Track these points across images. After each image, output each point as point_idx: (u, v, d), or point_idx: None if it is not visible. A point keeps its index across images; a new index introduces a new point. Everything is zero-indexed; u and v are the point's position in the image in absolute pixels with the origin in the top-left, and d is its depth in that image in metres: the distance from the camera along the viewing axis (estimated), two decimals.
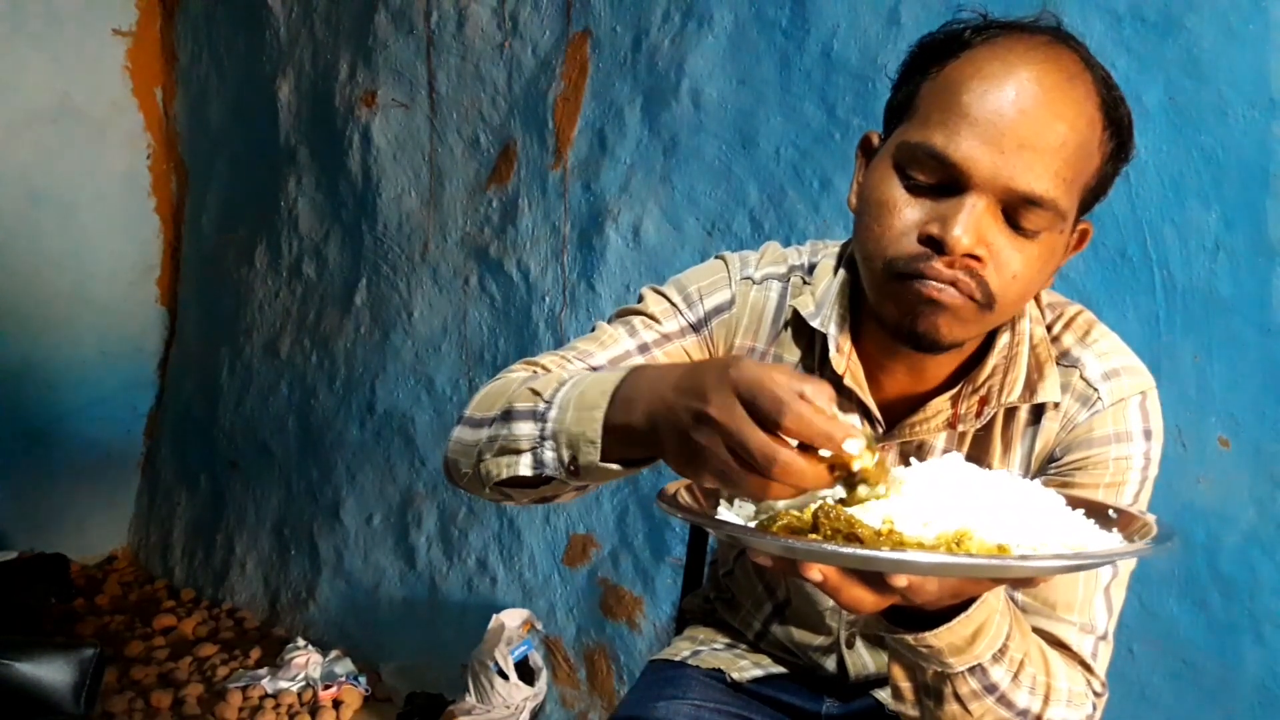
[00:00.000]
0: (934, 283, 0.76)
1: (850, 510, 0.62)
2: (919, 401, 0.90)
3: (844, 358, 0.90)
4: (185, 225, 3.52)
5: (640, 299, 0.99)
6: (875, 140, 0.87)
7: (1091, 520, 0.67)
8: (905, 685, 0.81)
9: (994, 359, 0.88)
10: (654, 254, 2.09)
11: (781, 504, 0.68)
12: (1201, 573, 1.38)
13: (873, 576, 0.62)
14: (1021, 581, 0.67)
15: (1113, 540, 0.65)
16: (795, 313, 0.95)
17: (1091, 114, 0.77)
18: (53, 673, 1.26)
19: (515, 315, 2.39)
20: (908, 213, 0.78)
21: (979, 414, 0.88)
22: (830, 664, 1.06)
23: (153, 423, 3.60)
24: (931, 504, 0.63)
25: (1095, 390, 0.87)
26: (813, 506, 0.63)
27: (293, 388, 3.01)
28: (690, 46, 2.00)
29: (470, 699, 2.11)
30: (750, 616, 1.12)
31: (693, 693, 1.08)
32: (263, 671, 2.58)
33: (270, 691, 2.50)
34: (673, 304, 0.97)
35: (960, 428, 0.89)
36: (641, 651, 2.11)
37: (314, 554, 2.87)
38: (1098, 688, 0.87)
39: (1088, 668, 0.87)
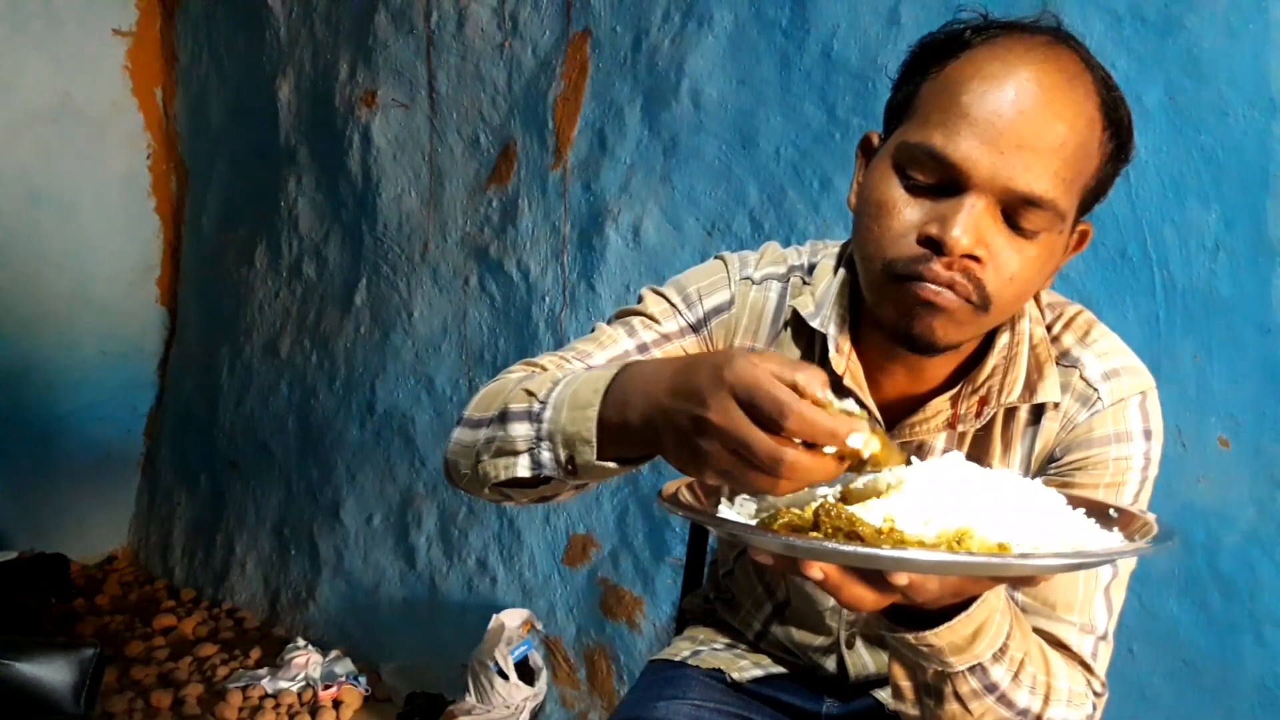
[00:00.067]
0: (931, 285, 0.76)
1: (851, 508, 0.63)
2: (918, 402, 0.90)
3: (844, 358, 0.90)
4: (185, 225, 3.52)
5: (640, 299, 0.99)
6: (875, 140, 0.87)
7: (1092, 520, 0.67)
8: (906, 684, 0.81)
9: (994, 359, 0.88)
10: (654, 254, 2.09)
11: (782, 502, 0.68)
12: (1201, 573, 1.38)
13: (873, 575, 0.62)
14: (1022, 580, 0.67)
15: (1113, 539, 0.65)
16: (795, 313, 0.95)
17: (1091, 114, 0.77)
18: (53, 673, 1.27)
19: (515, 315, 2.39)
20: (907, 213, 0.78)
21: (979, 414, 0.88)
22: (830, 664, 1.06)
23: (153, 423, 3.60)
24: (932, 503, 0.63)
25: (1095, 390, 0.87)
26: (814, 505, 0.63)
27: (293, 388, 3.01)
28: (690, 46, 2.00)
29: (470, 699, 2.11)
30: (750, 617, 1.12)
31: (693, 693, 1.08)
32: (263, 671, 2.58)
33: (270, 691, 2.50)
34: (672, 304, 0.97)
35: (960, 428, 0.89)
36: (641, 651, 2.11)
37: (314, 554, 2.87)
38: (1098, 688, 0.87)
39: (1088, 668, 0.87)
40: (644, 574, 2.11)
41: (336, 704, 2.45)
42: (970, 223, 0.75)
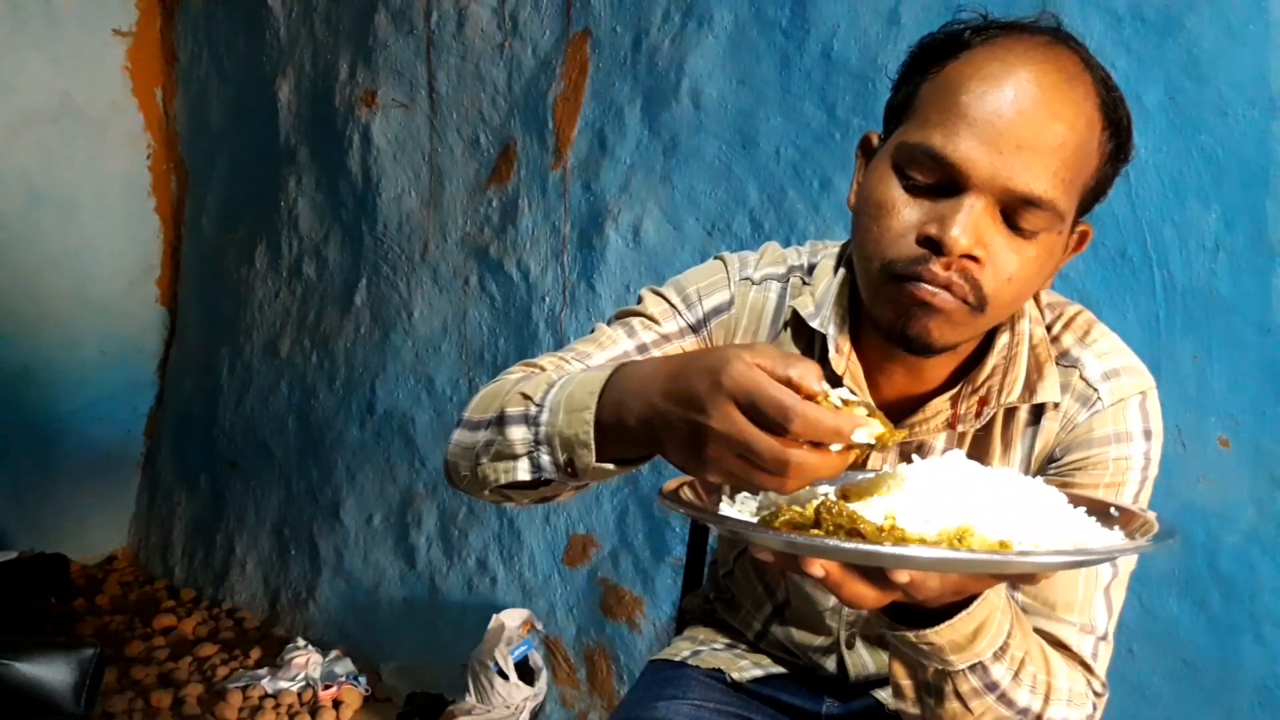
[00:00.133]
0: (928, 286, 0.76)
1: (852, 506, 0.63)
2: (918, 402, 0.90)
3: (843, 358, 0.90)
4: (185, 225, 3.52)
5: (639, 300, 0.99)
6: (875, 141, 0.87)
7: (1093, 519, 0.67)
8: (906, 683, 0.81)
9: (993, 359, 0.88)
10: (654, 254, 2.09)
11: (784, 499, 0.68)
12: (1201, 573, 1.38)
13: (874, 572, 0.62)
14: (1023, 578, 0.67)
15: (1114, 538, 0.65)
16: (795, 313, 0.95)
17: (1090, 114, 0.77)
18: (53, 673, 1.26)
19: (515, 315, 2.39)
20: (906, 213, 0.78)
21: (978, 414, 0.88)
22: (830, 664, 1.06)
23: (153, 423, 3.60)
24: (933, 501, 0.63)
25: (1095, 390, 0.87)
26: (815, 502, 0.63)
27: (293, 388, 3.01)
28: (690, 46, 2.00)
29: (470, 699, 2.11)
30: (750, 617, 1.12)
31: (693, 693, 1.08)
32: (263, 671, 2.58)
33: (270, 691, 2.50)
34: (671, 305, 0.97)
35: (960, 428, 0.89)
36: (641, 651, 2.11)
37: (314, 554, 2.87)
38: (1098, 688, 0.87)
39: (1088, 668, 0.87)
40: (644, 574, 2.11)
41: (336, 704, 2.45)
42: (969, 223, 0.75)
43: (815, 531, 0.61)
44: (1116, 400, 0.87)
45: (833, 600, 1.02)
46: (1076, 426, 0.88)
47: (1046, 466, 0.90)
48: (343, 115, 2.80)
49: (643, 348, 0.95)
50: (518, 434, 0.78)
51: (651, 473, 2.01)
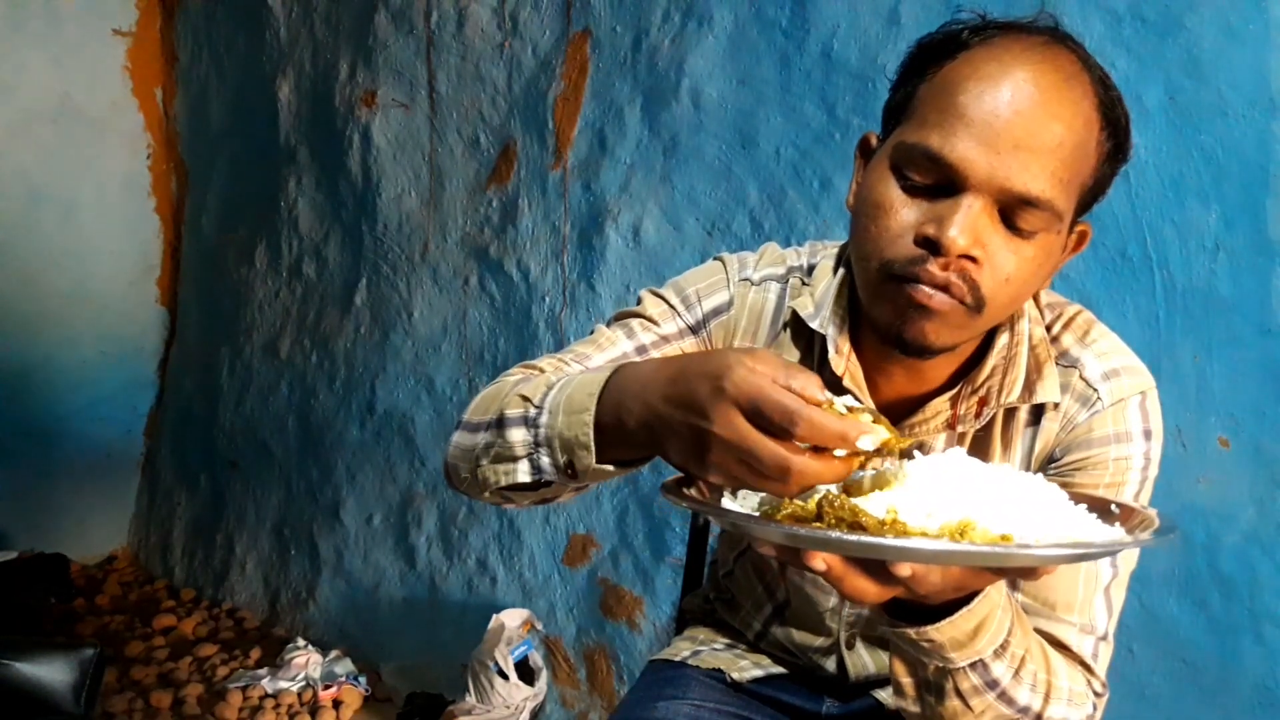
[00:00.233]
0: (925, 288, 0.76)
1: (854, 501, 0.63)
2: (918, 402, 0.90)
3: (843, 359, 0.90)
4: (185, 225, 3.52)
5: (639, 301, 0.99)
6: (873, 141, 0.87)
7: (1093, 515, 0.67)
8: (907, 681, 0.81)
9: (993, 359, 0.88)
10: (654, 254, 2.09)
11: None
12: (1201, 573, 1.38)
13: (876, 567, 0.62)
14: (1024, 572, 0.67)
15: (1115, 532, 0.65)
16: (794, 314, 0.95)
17: (1088, 114, 0.77)
18: (53, 673, 1.27)
19: (515, 315, 2.39)
20: (904, 213, 0.78)
21: (978, 415, 0.88)
22: (830, 665, 1.06)
23: (153, 423, 3.60)
24: (935, 496, 0.63)
25: (1095, 390, 0.87)
26: (817, 496, 0.63)
27: (293, 388, 3.01)
28: (690, 46, 2.00)
29: (470, 699, 2.11)
30: (750, 617, 1.12)
31: (693, 693, 1.08)
32: (263, 671, 2.58)
33: (270, 691, 2.50)
34: (671, 306, 0.97)
35: (960, 428, 0.89)
36: (641, 651, 2.11)
37: (314, 554, 2.87)
38: (1098, 688, 0.87)
39: (1088, 668, 0.87)
40: (644, 574, 2.11)
41: (336, 704, 2.45)
42: (967, 223, 0.74)
43: (817, 525, 0.61)
44: (1116, 400, 0.87)
45: (833, 601, 1.02)
46: (1076, 427, 0.88)
47: (1046, 467, 0.90)
48: (343, 115, 2.80)
49: (642, 349, 0.95)
50: (517, 436, 0.78)
51: (652, 473, 2.01)
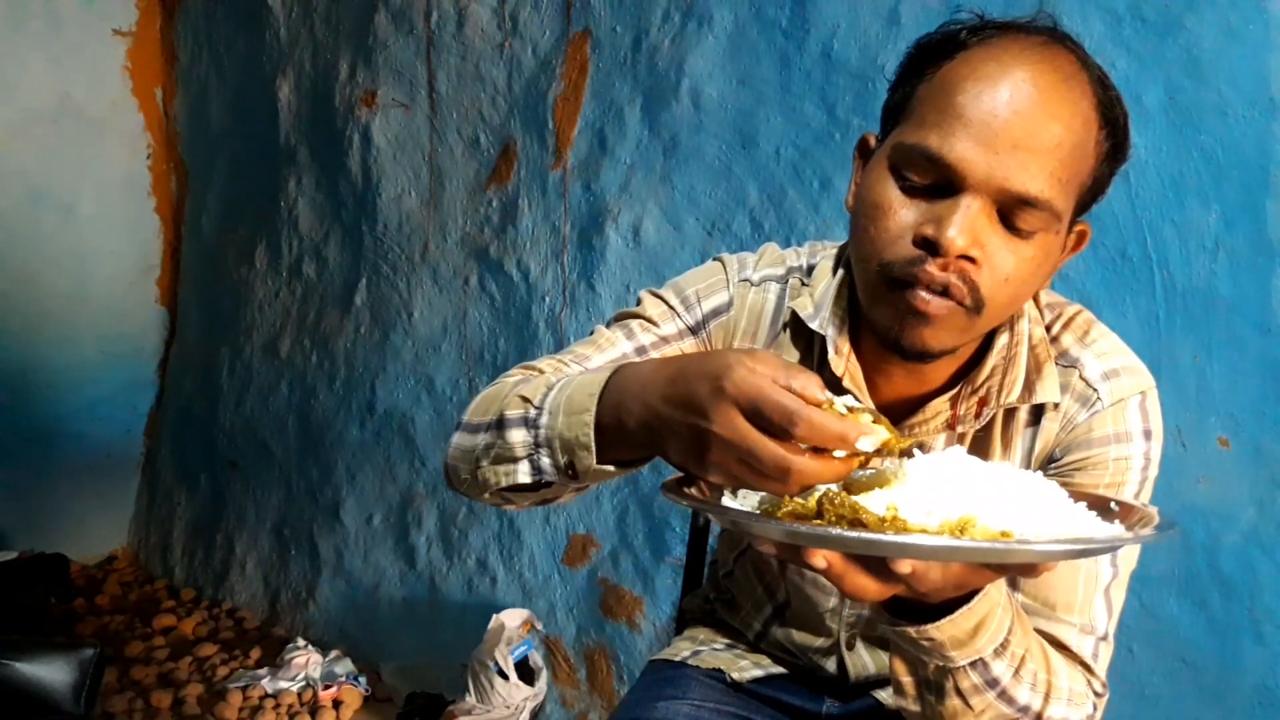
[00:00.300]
0: (924, 293, 0.76)
1: (854, 498, 0.63)
2: (918, 403, 0.90)
3: (843, 359, 0.90)
4: (185, 225, 3.52)
5: (638, 302, 0.99)
6: (872, 142, 0.87)
7: (1093, 513, 0.67)
8: (907, 680, 0.81)
9: (993, 360, 0.88)
10: (654, 254, 2.09)
11: None
12: (1201, 573, 1.38)
13: (877, 564, 0.62)
14: (1024, 570, 0.66)
15: (1115, 529, 0.65)
16: (794, 314, 0.95)
17: (1087, 114, 0.77)
18: (53, 673, 1.27)
19: (515, 315, 2.39)
20: (903, 214, 0.78)
21: (978, 415, 0.88)
22: (830, 665, 1.06)
23: (153, 423, 3.60)
24: (935, 494, 0.63)
25: (1095, 390, 0.87)
26: (817, 494, 0.63)
27: (293, 388, 3.01)
28: (690, 46, 2.00)
29: (470, 699, 2.11)
30: (750, 617, 1.12)
31: (693, 693, 1.08)
32: (263, 671, 2.58)
33: (270, 691, 2.50)
34: (670, 307, 0.97)
35: (959, 429, 0.89)
36: (641, 651, 2.11)
37: (314, 554, 2.87)
38: (1098, 688, 0.87)
39: (1088, 668, 0.86)
40: (644, 574, 2.11)
41: (336, 704, 2.45)
42: (966, 223, 0.74)
43: (818, 522, 0.61)
44: (1116, 400, 0.87)
45: (833, 602, 1.02)
46: (1076, 427, 0.88)
47: (1046, 467, 0.90)
48: (343, 115, 2.80)
49: (641, 350, 0.95)
50: (517, 437, 0.78)
51: (652, 473, 2.01)
